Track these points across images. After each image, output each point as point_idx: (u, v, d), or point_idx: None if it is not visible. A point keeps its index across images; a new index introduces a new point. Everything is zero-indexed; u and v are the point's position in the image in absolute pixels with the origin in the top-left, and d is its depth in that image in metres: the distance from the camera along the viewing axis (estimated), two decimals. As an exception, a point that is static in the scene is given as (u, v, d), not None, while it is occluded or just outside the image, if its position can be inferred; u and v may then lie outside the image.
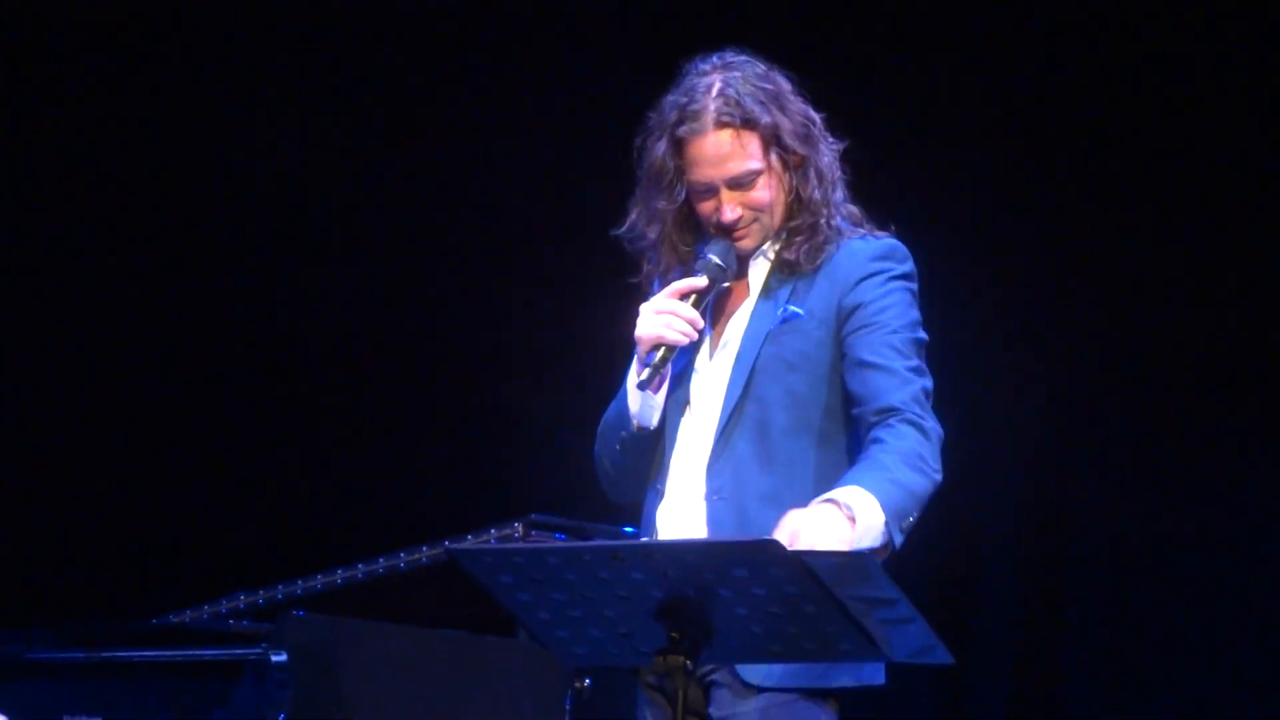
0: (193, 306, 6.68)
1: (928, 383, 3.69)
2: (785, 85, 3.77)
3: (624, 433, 3.77)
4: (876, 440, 3.61)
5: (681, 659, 3.29)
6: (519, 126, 6.53)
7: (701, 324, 3.73)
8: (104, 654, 4.68)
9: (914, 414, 3.63)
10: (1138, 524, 5.90)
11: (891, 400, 3.64)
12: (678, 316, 3.70)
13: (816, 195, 3.76)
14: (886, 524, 3.48)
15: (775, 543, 3.19)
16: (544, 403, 6.31)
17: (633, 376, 3.75)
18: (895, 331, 3.70)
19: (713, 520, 3.69)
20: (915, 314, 3.75)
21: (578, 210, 5.86)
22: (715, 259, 3.75)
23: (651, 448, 3.78)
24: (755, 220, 3.76)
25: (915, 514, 3.56)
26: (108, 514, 6.59)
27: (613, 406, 3.82)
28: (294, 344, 6.66)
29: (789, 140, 3.74)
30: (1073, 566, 5.99)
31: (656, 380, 3.72)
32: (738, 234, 3.77)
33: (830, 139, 3.81)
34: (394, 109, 6.63)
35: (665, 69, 3.84)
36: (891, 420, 3.62)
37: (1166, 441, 5.90)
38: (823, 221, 3.76)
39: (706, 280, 3.74)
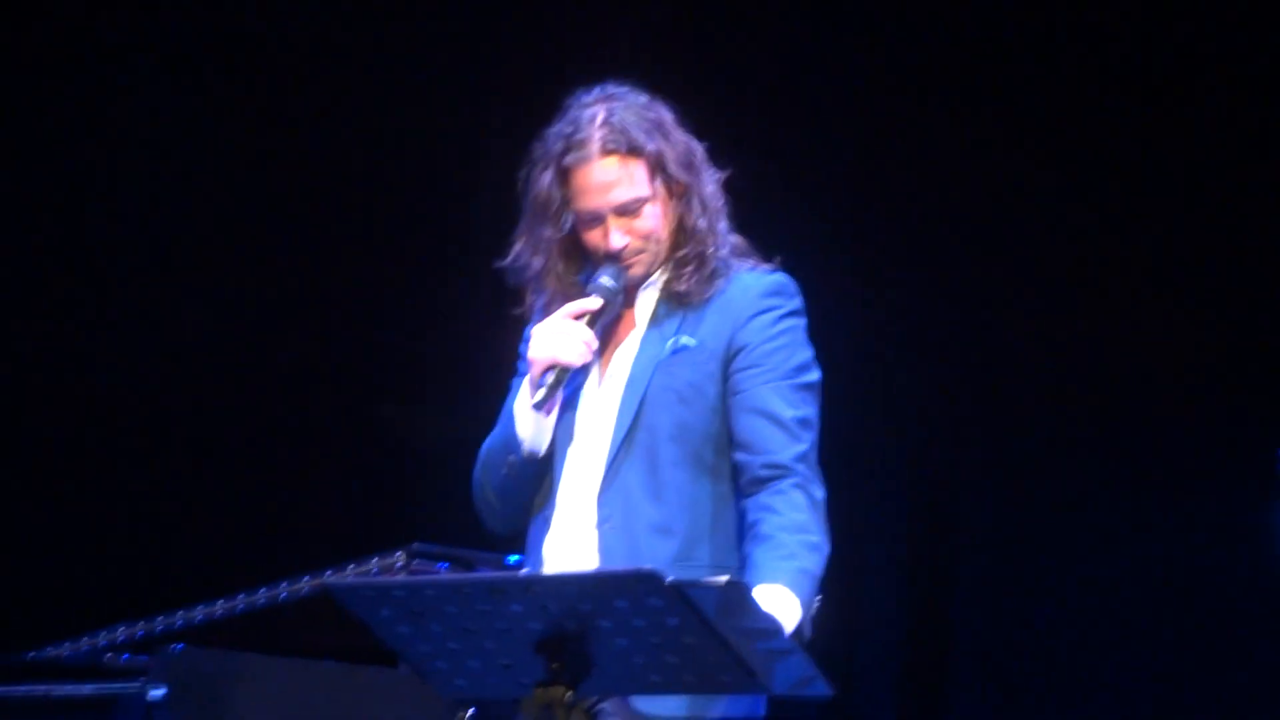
0: (64, 322, 6.58)
1: (814, 434, 3.72)
2: (667, 115, 3.80)
3: (512, 458, 3.75)
4: (770, 509, 3.63)
5: (562, 690, 3.27)
6: (407, 142, 6.50)
7: (596, 345, 3.74)
8: (-22, 689, 4.61)
9: (802, 477, 3.66)
10: (1022, 544, 5.93)
11: (781, 457, 3.66)
12: (573, 337, 3.70)
13: (701, 224, 3.78)
14: (800, 623, 3.52)
15: (655, 574, 3.17)
16: (427, 429, 6.27)
17: (523, 400, 3.74)
18: (785, 377, 3.72)
19: (604, 550, 3.68)
20: (806, 353, 3.77)
21: (464, 234, 5.84)
22: (608, 280, 3.76)
23: (538, 475, 3.77)
24: (642, 248, 3.77)
25: (818, 597, 3.60)
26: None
27: (496, 433, 3.81)
28: (174, 365, 6.58)
29: (673, 168, 3.76)
30: (960, 587, 6.01)
31: (550, 402, 3.71)
32: (625, 262, 3.78)
33: (712, 169, 3.83)
34: (275, 112, 6.56)
35: (554, 91, 3.85)
36: (782, 484, 3.65)
37: (1050, 455, 5.94)
38: (710, 251, 3.78)
39: (600, 301, 3.75)
